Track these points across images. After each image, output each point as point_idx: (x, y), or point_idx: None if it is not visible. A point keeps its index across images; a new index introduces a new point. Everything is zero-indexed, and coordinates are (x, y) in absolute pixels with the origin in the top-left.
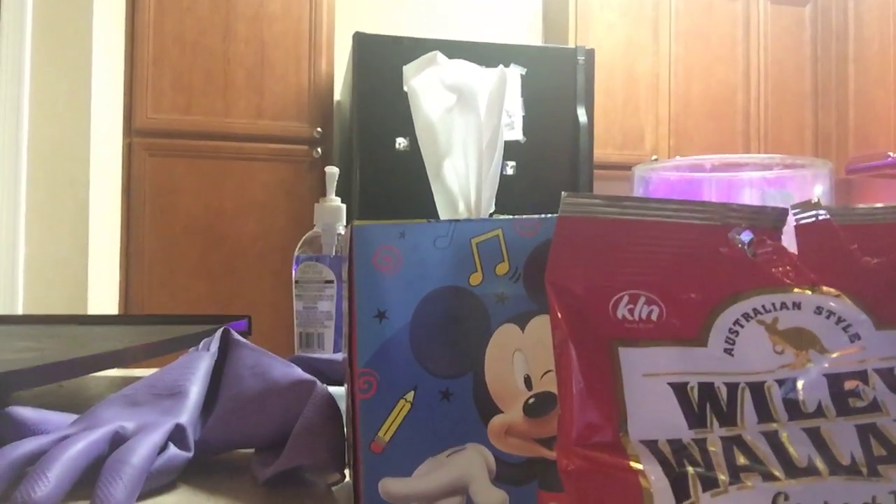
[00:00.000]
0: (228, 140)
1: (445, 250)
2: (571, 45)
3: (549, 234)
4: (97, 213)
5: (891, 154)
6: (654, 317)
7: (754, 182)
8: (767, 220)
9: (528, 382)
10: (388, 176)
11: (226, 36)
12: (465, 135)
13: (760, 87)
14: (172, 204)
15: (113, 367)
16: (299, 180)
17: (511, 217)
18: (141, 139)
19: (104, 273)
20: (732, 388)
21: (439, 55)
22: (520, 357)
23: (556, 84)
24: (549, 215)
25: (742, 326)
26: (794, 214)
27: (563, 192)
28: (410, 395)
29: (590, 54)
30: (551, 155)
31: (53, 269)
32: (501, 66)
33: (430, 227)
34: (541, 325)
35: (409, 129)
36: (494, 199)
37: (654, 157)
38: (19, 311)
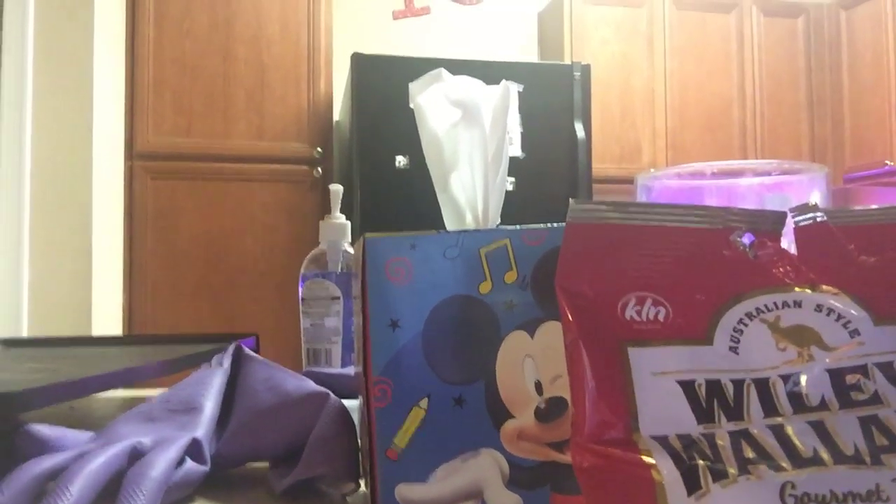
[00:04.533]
0: (229, 161)
1: (455, 260)
2: (567, 61)
3: (556, 242)
4: (100, 235)
5: (888, 162)
6: (661, 317)
7: (753, 188)
8: (767, 223)
9: (538, 387)
10: (389, 193)
11: (225, 58)
12: (470, 148)
13: (756, 98)
14: (174, 225)
15: (125, 384)
16: (300, 200)
17: (518, 227)
18: (142, 162)
19: (108, 294)
20: (738, 384)
21: (444, 72)
22: (530, 363)
23: (554, 100)
24: (555, 224)
25: (746, 325)
26: (793, 217)
27: (570, 199)
28: (424, 402)
29: (585, 70)
30: (550, 170)
31: (58, 291)
32: (504, 81)
33: (439, 238)
34: (550, 332)
35: (407, 147)
36: (500, 211)
37: (651, 170)
38: (24, 333)
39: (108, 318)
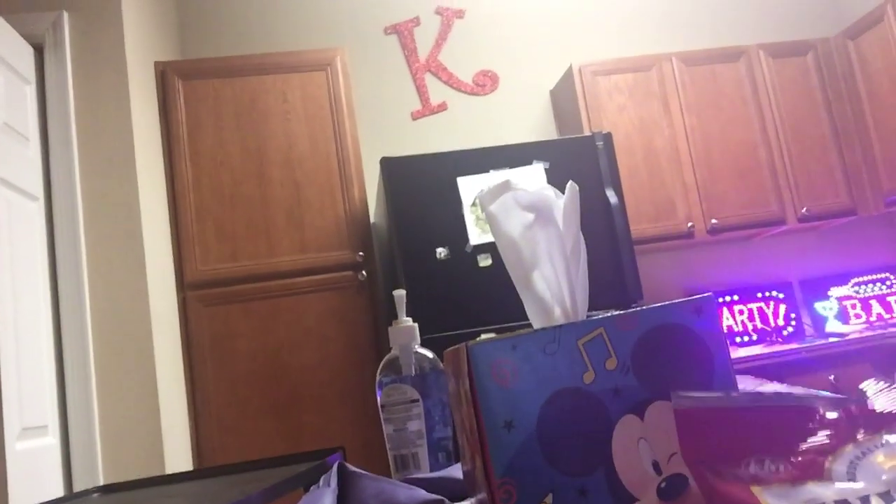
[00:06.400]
0: (276, 279)
1: (556, 355)
2: (587, 132)
3: (649, 323)
4: (162, 369)
5: None
6: (782, 469)
7: None
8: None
9: (656, 467)
10: (433, 285)
11: (261, 182)
12: (548, 246)
13: (780, 139)
14: (231, 349)
15: None
16: (349, 305)
17: (610, 314)
18: (194, 291)
19: (175, 425)
20: (865, 499)
21: (511, 181)
22: (644, 445)
23: (581, 172)
24: (644, 308)
25: (858, 462)
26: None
27: (671, 393)
28: (549, 498)
29: (608, 138)
30: (589, 239)
31: (128, 428)
32: (572, 182)
33: (537, 336)
34: (658, 411)
35: (446, 239)
36: (587, 302)
37: (689, 223)
38: (100, 472)
39: (177, 448)
